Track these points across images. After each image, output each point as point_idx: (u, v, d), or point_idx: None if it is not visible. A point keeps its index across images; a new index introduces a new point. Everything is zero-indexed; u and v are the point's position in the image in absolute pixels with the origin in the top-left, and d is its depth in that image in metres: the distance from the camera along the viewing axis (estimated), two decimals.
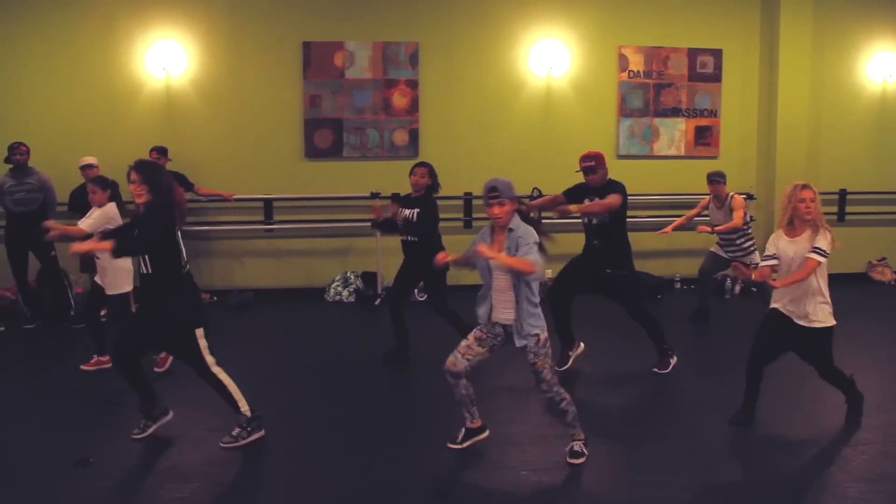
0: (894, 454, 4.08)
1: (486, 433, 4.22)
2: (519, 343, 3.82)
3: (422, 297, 7.76)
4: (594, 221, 5.40)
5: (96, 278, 5.49)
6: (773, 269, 4.39)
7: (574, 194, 5.51)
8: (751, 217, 7.51)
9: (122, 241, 4.05)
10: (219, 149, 8.29)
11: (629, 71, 8.77)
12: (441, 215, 5.91)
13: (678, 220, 7.06)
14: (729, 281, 8.56)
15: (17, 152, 6.94)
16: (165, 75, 8.13)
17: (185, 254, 4.24)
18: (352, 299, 8.36)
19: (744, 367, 4.48)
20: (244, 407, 4.20)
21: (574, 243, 5.63)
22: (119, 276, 5.32)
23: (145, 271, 4.10)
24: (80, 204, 6.75)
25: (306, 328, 7.29)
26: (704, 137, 8.99)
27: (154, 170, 4.16)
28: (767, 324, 4.43)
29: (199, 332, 4.15)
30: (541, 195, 6.03)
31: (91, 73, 8.02)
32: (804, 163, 8.83)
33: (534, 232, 3.79)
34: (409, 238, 5.79)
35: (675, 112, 8.90)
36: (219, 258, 8.50)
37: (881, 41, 9.07)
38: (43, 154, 7.39)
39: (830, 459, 4.09)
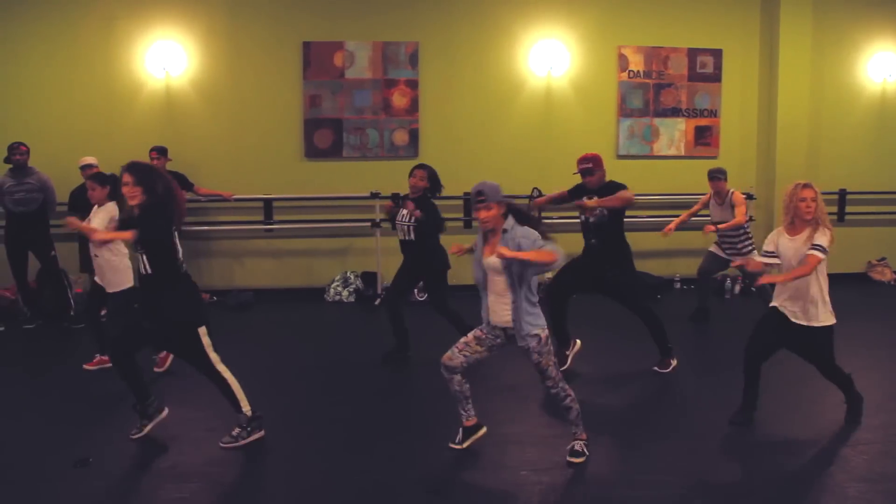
0: (894, 454, 4.08)
1: (484, 430, 4.22)
2: (521, 344, 3.82)
3: (422, 297, 7.76)
4: (591, 220, 5.41)
5: (96, 278, 5.49)
6: (769, 265, 4.39)
7: (575, 194, 5.52)
8: (750, 217, 7.51)
9: (143, 227, 4.04)
10: (219, 149, 8.29)
11: (629, 71, 8.77)
12: (441, 215, 5.91)
13: (678, 219, 6.94)
14: (729, 281, 8.56)
15: (17, 152, 6.94)
16: (165, 75, 8.13)
17: (181, 254, 4.23)
18: (352, 299, 8.36)
19: (743, 368, 4.48)
20: (245, 407, 4.20)
21: (573, 243, 5.62)
22: (118, 274, 5.32)
23: (145, 272, 4.11)
24: (80, 204, 6.75)
25: (306, 328, 7.28)
26: (704, 137, 8.99)
27: (147, 171, 4.16)
28: (766, 321, 4.43)
29: (202, 331, 4.16)
30: (541, 195, 6.04)
31: (91, 73, 8.02)
32: (804, 163, 8.83)
33: (532, 231, 3.79)
34: (406, 238, 5.80)
35: (674, 112, 8.90)
36: (219, 258, 8.50)
37: (881, 41, 9.07)
38: (43, 154, 7.39)
39: (830, 459, 4.09)
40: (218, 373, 4.18)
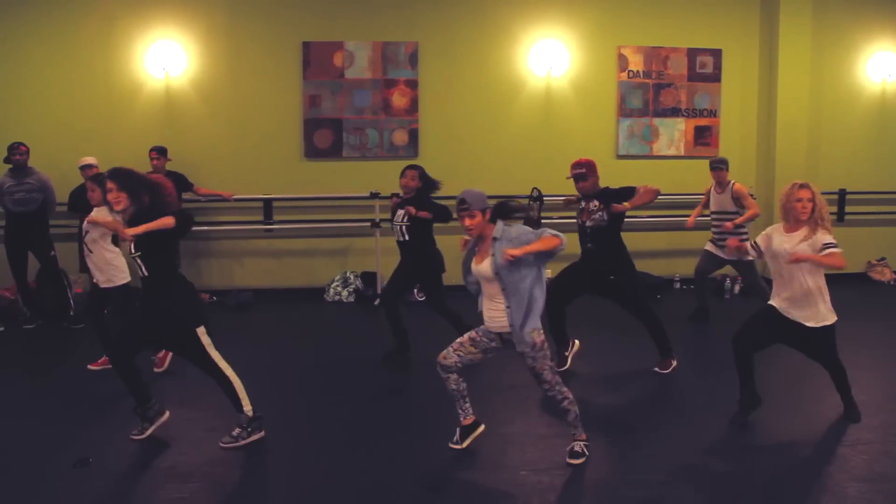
0: (894, 454, 4.08)
1: (482, 427, 4.21)
2: (520, 348, 3.83)
3: (421, 297, 7.76)
4: (588, 224, 5.41)
5: (94, 278, 5.48)
6: (751, 255, 4.54)
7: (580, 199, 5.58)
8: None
9: (179, 216, 4.04)
10: (218, 149, 8.29)
11: (629, 71, 8.77)
12: (441, 206, 5.87)
13: (695, 212, 7.22)
14: (728, 281, 8.56)
15: (17, 152, 6.93)
16: (165, 75, 8.13)
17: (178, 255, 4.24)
18: (351, 299, 8.36)
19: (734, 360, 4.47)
20: (247, 406, 4.20)
21: (572, 244, 5.61)
22: (112, 270, 5.31)
23: (142, 274, 4.12)
24: (80, 204, 6.74)
25: (306, 328, 7.29)
26: (704, 137, 8.99)
27: (130, 177, 4.16)
28: (759, 315, 4.44)
29: (201, 330, 4.16)
30: (540, 195, 6.06)
31: (91, 73, 8.02)
32: (804, 162, 8.83)
33: (524, 227, 3.80)
34: (401, 239, 5.81)
35: (674, 112, 8.90)
36: (218, 258, 8.50)
37: (881, 41, 9.07)
38: (43, 154, 7.39)
39: (830, 459, 4.08)
40: (221, 371, 4.18)
